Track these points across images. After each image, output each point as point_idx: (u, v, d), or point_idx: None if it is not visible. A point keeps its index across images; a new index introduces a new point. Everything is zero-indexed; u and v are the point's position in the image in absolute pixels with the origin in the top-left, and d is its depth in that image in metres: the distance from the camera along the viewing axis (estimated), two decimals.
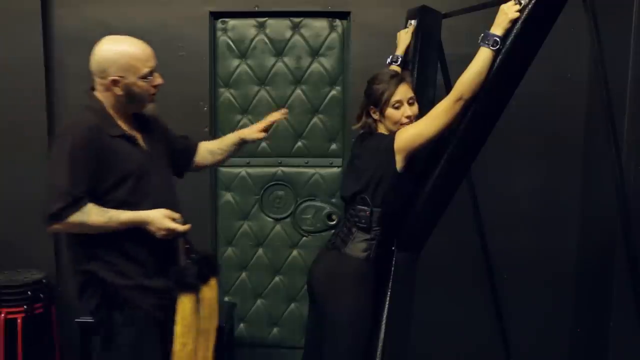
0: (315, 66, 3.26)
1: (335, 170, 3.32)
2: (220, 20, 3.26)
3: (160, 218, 1.98)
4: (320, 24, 3.23)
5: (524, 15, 1.98)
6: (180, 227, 2.00)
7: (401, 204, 2.26)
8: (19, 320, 3.01)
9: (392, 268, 2.31)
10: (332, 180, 3.32)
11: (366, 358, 2.26)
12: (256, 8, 3.18)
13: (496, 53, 2.02)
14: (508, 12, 2.00)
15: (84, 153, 1.92)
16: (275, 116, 2.43)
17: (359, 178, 2.25)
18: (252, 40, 3.25)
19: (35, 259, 3.28)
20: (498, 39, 2.00)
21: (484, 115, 2.12)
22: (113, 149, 1.98)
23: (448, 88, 2.71)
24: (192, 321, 2.03)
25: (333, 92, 3.27)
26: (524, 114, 3.07)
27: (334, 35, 3.24)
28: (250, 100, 3.29)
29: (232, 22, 3.25)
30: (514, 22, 2.00)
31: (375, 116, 2.27)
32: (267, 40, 3.25)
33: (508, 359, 3.15)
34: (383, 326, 2.26)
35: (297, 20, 3.23)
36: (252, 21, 3.25)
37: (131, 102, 2.03)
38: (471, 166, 2.38)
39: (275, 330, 3.45)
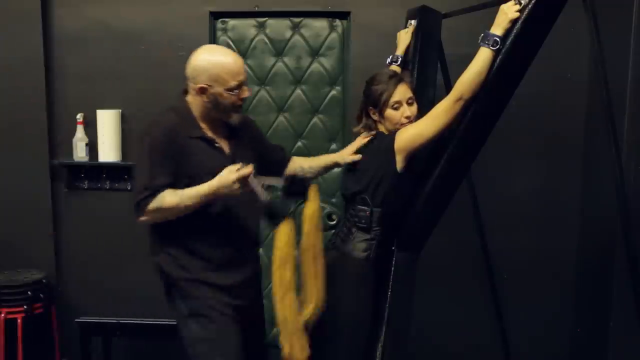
0: (315, 66, 3.26)
1: (335, 170, 3.31)
2: (220, 20, 3.26)
3: (226, 176, 2.00)
4: (320, 24, 3.23)
5: (524, 15, 1.98)
6: (247, 170, 2.00)
7: (401, 204, 2.26)
8: (19, 320, 3.01)
9: (392, 268, 2.31)
10: (332, 180, 3.32)
11: (366, 358, 2.26)
12: (256, 8, 3.18)
13: (496, 53, 2.02)
14: (508, 12, 2.00)
15: (160, 151, 2.02)
16: (362, 139, 2.35)
17: (359, 178, 2.25)
18: (252, 40, 3.25)
19: (35, 259, 3.28)
20: (498, 39, 2.00)
21: (484, 115, 2.12)
22: (190, 149, 2.06)
23: (448, 88, 2.71)
24: (288, 252, 2.10)
25: (333, 92, 3.27)
26: (524, 114, 3.07)
27: (334, 35, 3.24)
28: (251, 100, 3.29)
29: (232, 22, 3.25)
30: (514, 22, 2.00)
31: (375, 117, 2.27)
32: (267, 40, 3.25)
33: (508, 359, 3.15)
34: (383, 326, 2.26)
35: (297, 20, 3.23)
36: (252, 21, 3.25)
37: (216, 110, 2.10)
38: (471, 166, 2.38)
39: (275, 330, 3.44)
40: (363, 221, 2.23)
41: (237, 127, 2.20)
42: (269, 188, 2.10)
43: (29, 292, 3.04)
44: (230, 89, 2.06)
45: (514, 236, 3.20)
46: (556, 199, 3.20)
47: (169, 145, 2.02)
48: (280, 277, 2.11)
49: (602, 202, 2.93)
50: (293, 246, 2.10)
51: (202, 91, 2.06)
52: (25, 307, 3.02)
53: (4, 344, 3.01)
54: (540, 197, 3.20)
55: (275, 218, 2.11)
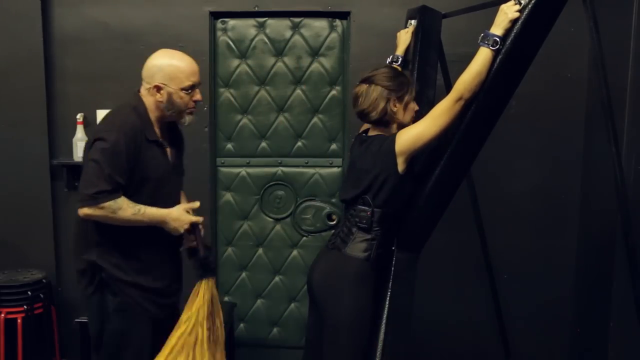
0: (315, 66, 3.26)
1: (335, 170, 3.32)
2: (220, 20, 3.26)
3: (183, 213, 2.17)
4: (320, 24, 3.23)
5: (524, 15, 1.98)
6: (199, 219, 2.22)
7: (402, 204, 2.26)
8: (19, 320, 3.01)
9: (392, 268, 2.31)
10: (332, 180, 3.32)
11: (366, 358, 2.26)
12: (256, 8, 3.18)
13: (496, 53, 2.02)
14: (508, 12, 2.00)
15: (127, 150, 2.05)
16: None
17: (360, 181, 2.25)
18: (252, 40, 3.25)
19: (35, 259, 3.28)
20: (498, 39, 2.00)
21: (484, 115, 2.12)
22: (146, 152, 2.12)
23: (448, 88, 2.71)
24: (206, 304, 2.21)
25: (333, 92, 3.27)
26: (524, 114, 3.08)
27: (334, 35, 3.24)
28: (250, 100, 3.29)
29: (232, 22, 3.25)
30: (514, 22, 2.00)
31: (395, 108, 2.23)
32: (267, 40, 3.25)
33: (508, 359, 3.15)
34: (383, 326, 2.26)
35: (297, 20, 3.23)
36: (252, 21, 3.25)
37: (169, 110, 2.17)
38: (471, 166, 2.38)
39: (275, 330, 3.45)
40: (364, 221, 2.23)
41: (176, 133, 2.31)
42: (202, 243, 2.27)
43: (29, 292, 3.04)
44: (184, 89, 2.14)
45: (514, 236, 3.20)
46: (556, 198, 3.20)
47: (131, 145, 2.06)
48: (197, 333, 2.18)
49: (602, 202, 2.93)
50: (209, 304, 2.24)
51: (157, 89, 2.13)
52: (25, 307, 3.02)
53: (4, 344, 3.01)
54: (540, 197, 3.20)
55: (207, 272, 2.26)
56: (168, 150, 2.24)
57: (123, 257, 2.14)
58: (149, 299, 2.19)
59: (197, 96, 2.20)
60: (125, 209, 2.05)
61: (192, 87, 2.17)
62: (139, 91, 2.20)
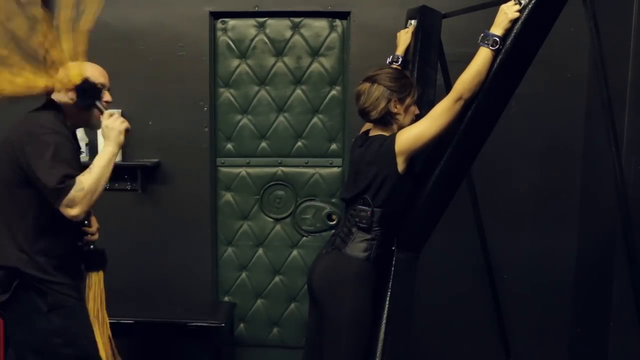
0: (315, 66, 3.26)
1: (335, 170, 3.32)
2: (220, 20, 3.26)
3: (112, 121, 2.17)
4: (320, 24, 3.23)
5: (524, 15, 1.98)
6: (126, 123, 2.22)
7: (402, 204, 2.26)
8: None
9: (392, 268, 2.31)
10: (332, 180, 3.32)
11: (366, 358, 2.26)
12: (256, 8, 3.18)
13: (496, 53, 2.02)
14: (508, 12, 2.00)
15: (69, 144, 2.10)
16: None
17: (360, 180, 2.25)
18: (252, 40, 3.25)
19: None
20: (498, 39, 2.00)
21: (484, 115, 2.12)
22: (74, 146, 2.18)
23: (448, 88, 2.71)
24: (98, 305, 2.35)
25: (333, 92, 3.27)
26: (524, 114, 3.08)
27: (334, 35, 3.24)
28: (250, 100, 3.29)
29: (232, 22, 3.26)
30: (514, 22, 2.00)
31: (396, 109, 2.24)
32: (267, 40, 3.25)
33: (508, 359, 3.15)
34: (383, 326, 2.26)
35: (297, 20, 3.23)
36: (252, 21, 3.25)
37: (81, 107, 2.17)
38: (471, 166, 2.38)
39: (275, 330, 3.45)
40: (364, 221, 2.23)
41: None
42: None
43: None
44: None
45: (514, 236, 3.20)
46: (556, 198, 3.19)
47: (70, 139, 2.12)
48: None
49: (602, 202, 2.93)
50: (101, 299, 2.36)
51: (70, 89, 2.15)
52: None
53: (4, 344, 3.01)
54: (540, 197, 3.20)
55: (95, 265, 2.33)
56: None
57: (41, 256, 2.12)
58: (71, 295, 2.19)
59: (107, 97, 2.25)
60: (88, 180, 2.02)
61: (102, 86, 2.22)
62: (48, 96, 2.21)
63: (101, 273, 2.35)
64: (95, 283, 2.34)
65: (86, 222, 2.29)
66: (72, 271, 2.24)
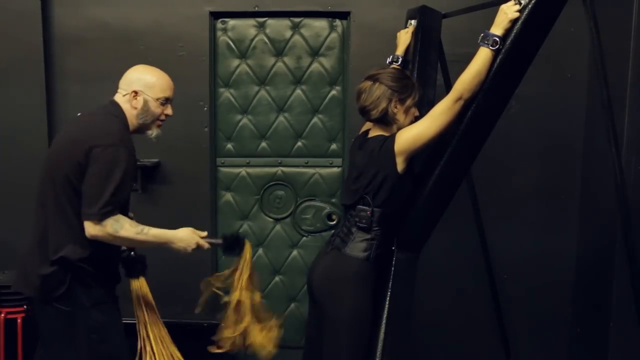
0: (315, 66, 3.26)
1: (335, 170, 3.32)
2: (220, 20, 3.26)
3: (189, 233, 2.29)
4: (320, 24, 3.23)
5: (524, 15, 1.98)
6: (206, 244, 2.33)
7: (402, 204, 2.26)
8: (19, 320, 3.01)
9: (392, 268, 2.31)
10: (332, 180, 3.32)
11: (366, 358, 2.26)
12: (256, 8, 3.18)
13: (496, 53, 2.02)
14: (508, 12, 2.00)
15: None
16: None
17: (360, 181, 2.25)
18: (252, 40, 3.25)
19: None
20: (498, 39, 2.00)
21: (484, 115, 2.12)
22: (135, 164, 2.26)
23: (448, 88, 2.71)
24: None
25: (333, 92, 3.27)
26: (524, 114, 3.08)
27: (334, 35, 3.24)
28: (250, 100, 3.29)
29: (232, 22, 3.26)
30: (514, 22, 2.00)
31: (396, 110, 2.24)
32: (267, 40, 3.25)
33: (508, 359, 3.15)
34: (383, 326, 2.26)
35: (297, 20, 3.23)
36: (252, 21, 3.25)
37: (142, 117, 2.26)
38: (471, 166, 2.38)
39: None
40: (364, 221, 2.23)
41: None
42: (212, 244, 2.39)
43: None
44: (159, 99, 2.26)
45: (514, 236, 3.20)
46: (556, 198, 3.19)
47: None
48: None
49: (602, 202, 2.93)
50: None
51: (134, 95, 2.23)
52: (25, 307, 3.01)
53: (4, 344, 3.01)
54: (540, 197, 3.20)
55: (135, 271, 2.40)
56: None
57: (95, 251, 2.16)
58: (109, 294, 2.27)
59: (169, 111, 2.32)
60: (128, 228, 2.11)
61: (166, 100, 2.28)
62: (112, 101, 2.27)
63: (142, 279, 2.41)
64: (137, 289, 2.39)
65: None
66: (113, 273, 2.30)
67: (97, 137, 2.11)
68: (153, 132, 2.32)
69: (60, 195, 2.13)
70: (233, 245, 2.40)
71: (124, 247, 2.34)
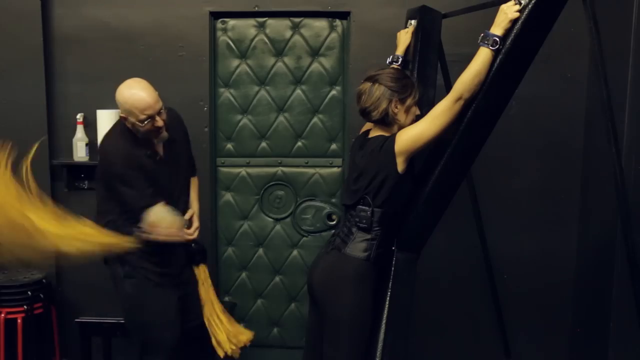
0: (315, 66, 3.26)
1: (335, 170, 3.32)
2: (220, 20, 3.26)
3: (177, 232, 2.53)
4: (320, 24, 3.23)
5: (524, 15, 1.98)
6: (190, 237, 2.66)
7: (402, 204, 2.26)
8: (19, 320, 3.01)
9: (392, 268, 2.31)
10: (332, 180, 3.32)
11: (366, 358, 2.26)
12: (256, 8, 3.18)
13: (496, 53, 2.02)
14: (508, 12, 2.00)
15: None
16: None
17: (360, 181, 2.25)
18: (252, 40, 3.25)
19: (35, 259, 3.27)
20: (498, 39, 2.00)
21: (484, 115, 2.12)
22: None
23: (448, 88, 2.71)
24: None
25: (333, 92, 3.27)
26: (524, 114, 3.08)
27: (334, 35, 3.24)
28: (250, 100, 3.29)
29: (232, 22, 3.25)
30: (513, 22, 2.00)
31: (396, 110, 2.23)
32: (267, 40, 3.25)
33: (508, 359, 3.15)
34: (383, 326, 2.26)
35: (297, 20, 3.23)
36: (252, 21, 3.25)
37: (138, 134, 2.44)
38: (471, 166, 2.38)
39: (275, 330, 3.45)
40: (364, 221, 2.23)
41: (170, 127, 2.53)
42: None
43: (29, 292, 3.04)
44: (141, 121, 2.38)
45: (514, 236, 3.20)
46: (556, 199, 3.19)
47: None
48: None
49: (602, 202, 2.93)
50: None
51: (124, 119, 2.44)
52: (25, 307, 3.02)
53: (4, 344, 3.01)
54: (540, 197, 3.20)
55: (196, 260, 2.72)
56: (159, 148, 2.54)
57: (127, 227, 2.44)
58: (147, 275, 2.52)
59: (159, 123, 2.42)
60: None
61: (148, 118, 2.38)
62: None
63: (203, 266, 2.74)
64: (199, 274, 2.72)
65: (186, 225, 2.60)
66: (164, 260, 2.54)
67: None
68: (157, 140, 2.49)
69: None
70: (195, 254, 2.71)
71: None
